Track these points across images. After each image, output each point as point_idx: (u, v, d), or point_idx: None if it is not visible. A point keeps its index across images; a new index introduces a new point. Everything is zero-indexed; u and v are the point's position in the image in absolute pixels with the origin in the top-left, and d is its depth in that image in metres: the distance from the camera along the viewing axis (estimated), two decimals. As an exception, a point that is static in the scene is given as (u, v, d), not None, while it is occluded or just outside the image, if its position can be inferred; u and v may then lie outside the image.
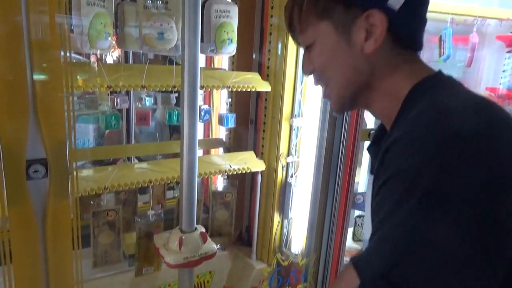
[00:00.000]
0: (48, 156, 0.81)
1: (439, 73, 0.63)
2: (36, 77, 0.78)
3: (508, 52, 1.96)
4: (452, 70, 2.08)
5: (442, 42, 1.81)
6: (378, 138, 0.73)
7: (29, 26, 0.75)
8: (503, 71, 2.00)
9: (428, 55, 1.86)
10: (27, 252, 0.83)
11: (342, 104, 0.71)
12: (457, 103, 0.54)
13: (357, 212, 1.64)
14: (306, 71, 0.72)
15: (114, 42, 1.41)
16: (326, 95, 0.72)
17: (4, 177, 0.77)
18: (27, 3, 0.76)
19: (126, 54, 1.86)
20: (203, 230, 1.22)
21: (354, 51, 0.63)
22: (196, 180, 1.11)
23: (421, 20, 0.65)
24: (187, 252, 1.15)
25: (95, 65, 1.16)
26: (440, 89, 0.59)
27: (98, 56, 1.44)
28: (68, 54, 0.83)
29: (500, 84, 2.01)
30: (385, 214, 0.53)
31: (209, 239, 1.22)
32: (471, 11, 1.78)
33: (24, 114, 0.78)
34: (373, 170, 0.71)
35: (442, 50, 1.81)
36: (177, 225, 1.20)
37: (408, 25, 0.62)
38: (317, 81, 0.72)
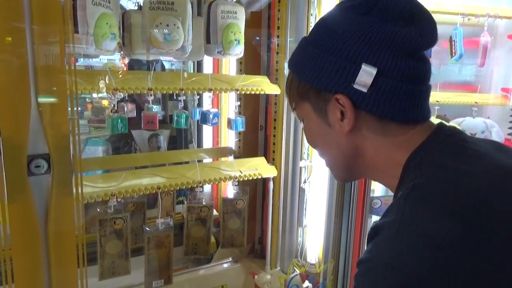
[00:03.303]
0: (50, 151, 0.77)
1: (435, 136, 0.60)
2: (39, 65, 0.75)
3: (521, 51, 1.92)
4: (464, 71, 2.04)
5: (453, 43, 1.78)
6: None
7: (31, 9, 0.73)
8: (517, 71, 1.95)
9: (439, 59, 1.83)
10: (27, 250, 0.78)
11: (341, 177, 0.74)
12: (436, 199, 0.51)
13: (374, 218, 1.56)
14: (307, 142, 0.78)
15: (121, 53, 1.40)
16: (327, 166, 0.74)
17: (4, 172, 0.73)
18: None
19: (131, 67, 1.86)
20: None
21: (335, 131, 0.64)
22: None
23: (408, 95, 0.60)
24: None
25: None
26: (428, 167, 0.56)
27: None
28: (71, 45, 0.80)
29: (514, 84, 1.96)
30: None
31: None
32: (481, 10, 1.75)
33: (25, 105, 0.74)
34: None
35: (453, 50, 1.77)
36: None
37: (386, 102, 0.59)
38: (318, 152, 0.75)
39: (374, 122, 0.61)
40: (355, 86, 0.59)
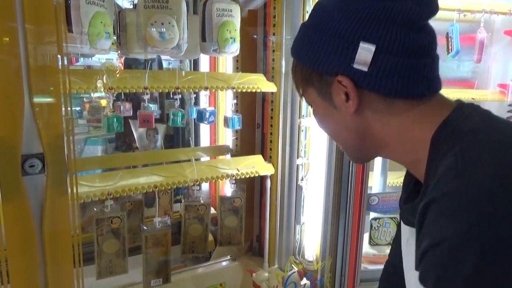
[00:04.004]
0: (45, 151, 0.77)
1: (459, 110, 0.59)
2: (32, 65, 0.75)
3: (518, 46, 1.92)
4: (461, 68, 2.04)
5: (450, 39, 1.77)
6: (413, 194, 0.67)
7: (23, 9, 0.72)
8: (514, 66, 1.95)
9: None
10: (23, 250, 0.78)
11: (356, 158, 0.74)
12: (487, 155, 0.50)
13: (372, 215, 1.56)
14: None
15: (118, 52, 1.40)
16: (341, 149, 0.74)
17: (-2, 172, 0.73)
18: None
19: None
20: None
21: (341, 113, 0.63)
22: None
23: (411, 69, 0.59)
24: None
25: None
26: (464, 135, 0.54)
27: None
28: (65, 44, 0.80)
29: (511, 80, 1.96)
30: None
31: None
32: (477, 6, 1.75)
33: (19, 105, 0.74)
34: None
35: (450, 47, 1.77)
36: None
37: (388, 79, 0.58)
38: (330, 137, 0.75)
39: (379, 100, 0.60)
40: (355, 65, 0.58)
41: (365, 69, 0.58)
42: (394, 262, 0.81)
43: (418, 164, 0.59)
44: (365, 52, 0.57)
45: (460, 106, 0.60)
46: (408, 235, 0.71)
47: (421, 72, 0.59)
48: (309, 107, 1.46)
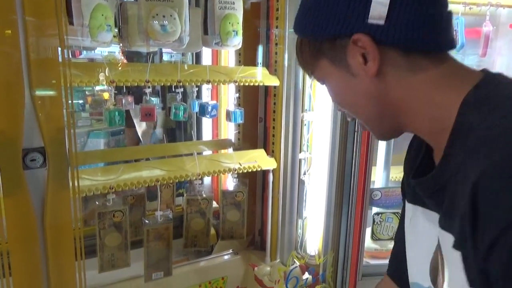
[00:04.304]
0: (46, 144, 0.77)
1: (488, 75, 0.56)
2: (32, 58, 0.74)
3: (524, 40, 1.89)
4: (466, 61, 2.02)
5: (455, 32, 1.76)
6: (422, 167, 0.64)
7: (23, 1, 0.71)
8: (519, 60, 1.93)
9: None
10: (25, 244, 0.78)
11: (381, 133, 0.67)
12: None
13: (374, 209, 1.56)
14: (337, 108, 0.72)
15: (120, 45, 1.39)
16: (363, 127, 0.68)
17: (-1, 166, 0.72)
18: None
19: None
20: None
21: (360, 80, 0.59)
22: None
23: (429, 18, 0.56)
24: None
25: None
26: (502, 102, 0.51)
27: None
28: (65, 36, 0.79)
29: (517, 74, 1.94)
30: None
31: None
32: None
33: (19, 99, 0.74)
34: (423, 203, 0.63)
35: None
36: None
37: (407, 29, 0.55)
38: (348, 116, 0.68)
39: (400, 58, 0.57)
40: (370, 21, 0.55)
41: (382, 22, 0.55)
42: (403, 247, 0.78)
43: (440, 135, 0.56)
44: (380, 5, 0.54)
45: (489, 73, 0.57)
46: (412, 214, 0.70)
47: (439, 22, 0.57)
48: (310, 101, 1.47)
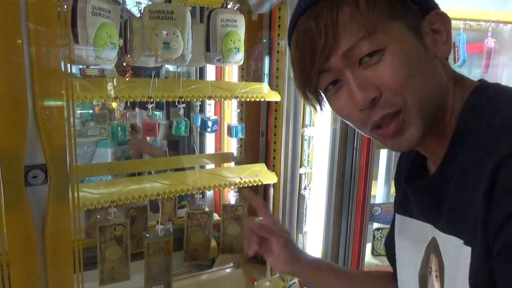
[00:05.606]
0: (47, 161, 0.79)
1: (486, 83, 0.58)
2: (36, 75, 0.76)
3: (526, 56, 1.90)
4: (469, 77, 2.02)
5: (456, 48, 1.77)
6: (412, 171, 0.65)
7: (28, 21, 0.74)
8: (522, 76, 1.93)
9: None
10: (25, 259, 0.79)
11: (423, 130, 0.54)
12: None
13: (375, 225, 1.56)
14: (368, 97, 0.53)
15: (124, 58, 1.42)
16: (397, 126, 0.54)
17: (1, 183, 0.75)
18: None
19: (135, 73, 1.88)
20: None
21: (430, 57, 0.54)
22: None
23: None
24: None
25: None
26: (505, 100, 0.52)
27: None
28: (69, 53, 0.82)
29: (520, 90, 1.94)
30: None
31: None
32: (485, 15, 1.74)
33: (23, 116, 0.76)
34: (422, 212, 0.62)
35: (456, 56, 1.76)
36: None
37: None
38: (383, 108, 0.53)
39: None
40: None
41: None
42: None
43: (441, 139, 0.57)
44: None
45: (485, 81, 0.58)
46: (400, 225, 0.70)
47: None
48: (311, 116, 1.48)
